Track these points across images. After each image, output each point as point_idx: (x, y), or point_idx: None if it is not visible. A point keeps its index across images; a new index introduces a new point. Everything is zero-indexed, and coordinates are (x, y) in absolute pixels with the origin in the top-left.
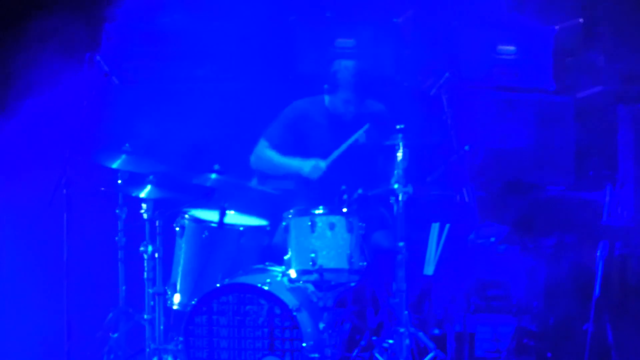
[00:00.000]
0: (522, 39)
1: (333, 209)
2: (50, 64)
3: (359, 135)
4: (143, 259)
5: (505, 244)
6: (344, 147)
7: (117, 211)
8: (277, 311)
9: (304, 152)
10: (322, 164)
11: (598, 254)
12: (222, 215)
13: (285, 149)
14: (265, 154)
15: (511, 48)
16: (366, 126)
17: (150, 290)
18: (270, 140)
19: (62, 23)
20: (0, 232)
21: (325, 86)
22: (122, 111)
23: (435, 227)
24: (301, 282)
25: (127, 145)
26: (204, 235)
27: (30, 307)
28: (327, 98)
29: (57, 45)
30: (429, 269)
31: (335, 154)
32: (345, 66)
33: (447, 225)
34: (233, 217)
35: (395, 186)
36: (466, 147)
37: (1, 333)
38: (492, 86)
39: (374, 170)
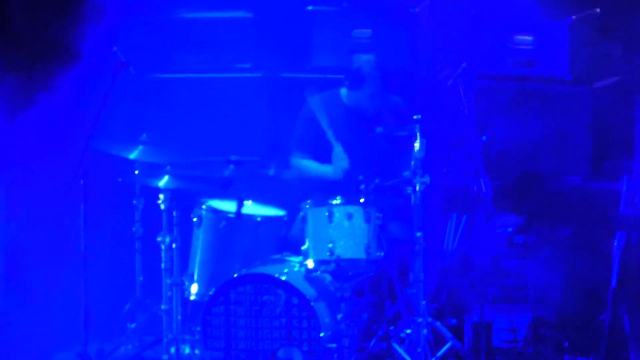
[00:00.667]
0: (539, 29)
1: (350, 199)
2: (67, 54)
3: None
4: (160, 249)
5: (522, 234)
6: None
7: (134, 202)
8: (295, 301)
9: (329, 149)
10: (345, 164)
11: (615, 243)
12: (240, 205)
13: (314, 150)
14: (299, 165)
15: (528, 38)
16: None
17: (168, 281)
18: (300, 149)
19: (80, 12)
20: (19, 223)
21: (346, 82)
22: (139, 101)
23: (452, 218)
24: (319, 272)
25: (144, 135)
26: (221, 226)
27: (47, 297)
28: (344, 92)
29: (74, 34)
30: (447, 260)
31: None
32: (367, 61)
33: (465, 216)
34: (250, 208)
35: (412, 176)
36: (483, 138)
37: (19, 323)
38: (508, 76)
39: (391, 161)
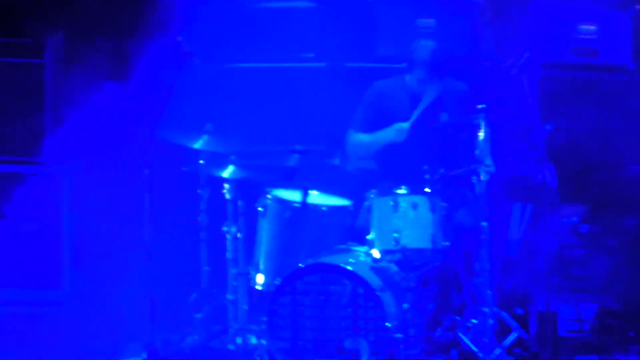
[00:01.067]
0: (602, 18)
1: (415, 189)
2: (133, 43)
3: (431, 97)
4: (226, 239)
5: (587, 224)
6: (422, 107)
7: (199, 191)
8: (361, 291)
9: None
10: (405, 125)
11: None
12: (305, 195)
13: (370, 130)
14: (355, 139)
15: (591, 27)
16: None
17: (234, 271)
18: (356, 127)
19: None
20: (86, 213)
21: (404, 64)
22: (204, 91)
23: (517, 207)
24: (384, 262)
25: (209, 125)
26: (287, 215)
27: (115, 288)
28: (407, 77)
29: (140, 24)
30: (512, 249)
31: (415, 114)
32: (422, 45)
33: (529, 205)
34: (316, 197)
35: (478, 166)
36: (547, 127)
37: (88, 315)
38: (572, 65)
39: (456, 150)
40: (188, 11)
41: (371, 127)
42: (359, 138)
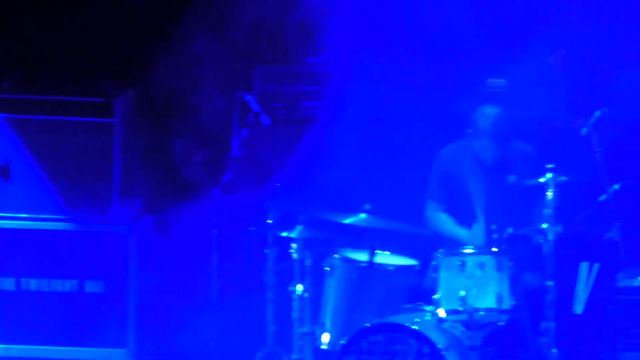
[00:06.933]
0: None
1: (483, 249)
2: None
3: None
4: (292, 298)
5: None
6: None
7: (266, 251)
8: (426, 350)
9: (463, 199)
10: (481, 241)
11: None
12: (372, 255)
13: (449, 201)
14: (437, 220)
15: None
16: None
17: (299, 330)
18: (435, 199)
19: (218, 60)
20: (154, 271)
21: (469, 131)
22: (271, 151)
23: (584, 266)
24: (450, 321)
25: (277, 185)
26: (353, 275)
27: (179, 348)
28: (474, 142)
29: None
30: (578, 308)
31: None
32: (486, 113)
33: (596, 265)
34: (383, 257)
35: (545, 225)
36: (616, 186)
37: None
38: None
39: (524, 210)
40: (258, 72)
41: (445, 197)
42: (440, 220)
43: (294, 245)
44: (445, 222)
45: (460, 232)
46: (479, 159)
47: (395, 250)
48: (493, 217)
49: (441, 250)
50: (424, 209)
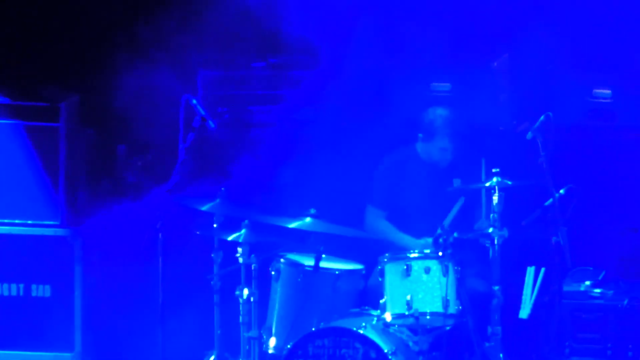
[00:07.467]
0: (618, 81)
1: (428, 253)
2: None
3: (458, 205)
4: (238, 302)
5: (601, 287)
6: (449, 219)
7: (212, 255)
8: (373, 355)
9: (407, 205)
10: (430, 241)
11: None
12: (318, 259)
13: (391, 207)
14: (378, 226)
15: (607, 92)
16: (461, 200)
17: (246, 334)
18: (376, 205)
19: (160, 66)
20: (98, 275)
21: (420, 135)
22: (217, 155)
23: (530, 271)
24: (396, 325)
25: (222, 189)
26: (299, 279)
27: (124, 351)
28: (420, 146)
29: (155, 88)
30: (524, 313)
31: (447, 222)
32: (440, 114)
33: (543, 269)
34: (329, 261)
35: (491, 230)
36: (561, 191)
37: None
38: (587, 128)
39: (469, 214)
40: (202, 76)
41: (389, 203)
42: (380, 226)
43: (240, 249)
44: (386, 230)
45: (404, 237)
46: (426, 163)
47: (341, 255)
48: (438, 221)
49: (387, 254)
50: (364, 214)
